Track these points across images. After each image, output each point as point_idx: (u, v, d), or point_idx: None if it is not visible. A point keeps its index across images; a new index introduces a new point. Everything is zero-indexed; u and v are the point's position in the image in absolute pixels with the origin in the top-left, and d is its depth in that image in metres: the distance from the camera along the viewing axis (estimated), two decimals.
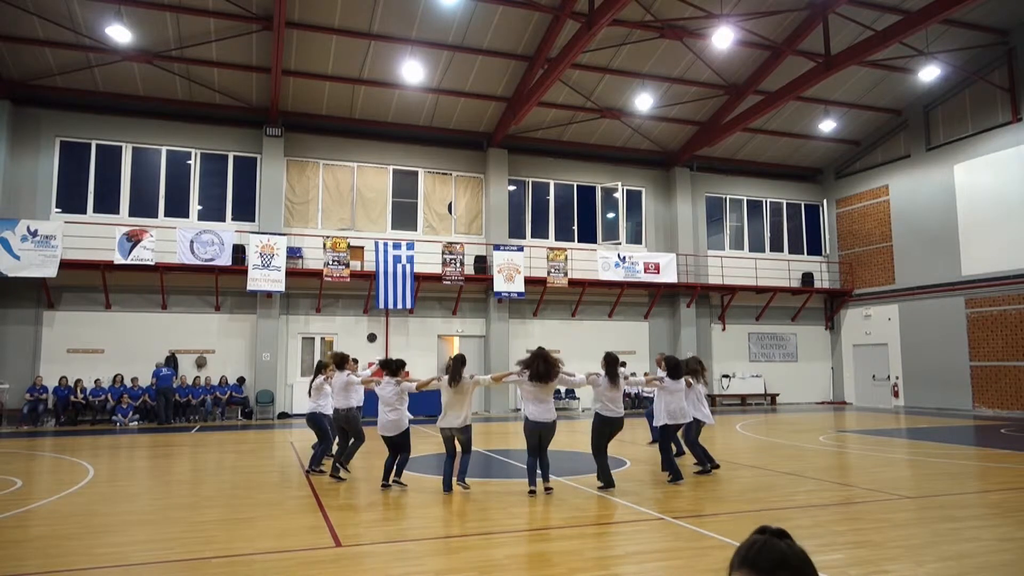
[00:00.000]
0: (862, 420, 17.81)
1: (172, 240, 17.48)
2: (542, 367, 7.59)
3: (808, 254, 25.24)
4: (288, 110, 19.41)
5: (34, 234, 16.35)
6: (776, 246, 24.99)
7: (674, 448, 9.23)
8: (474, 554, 5.40)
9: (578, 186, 22.71)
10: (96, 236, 17.36)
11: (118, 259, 16.95)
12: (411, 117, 20.36)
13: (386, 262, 18.75)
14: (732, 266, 23.51)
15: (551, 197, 22.45)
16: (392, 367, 8.42)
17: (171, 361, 17.83)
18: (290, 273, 18.43)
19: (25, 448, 12.58)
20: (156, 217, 18.64)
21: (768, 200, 24.99)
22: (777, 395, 23.79)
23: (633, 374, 13.27)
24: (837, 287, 24.56)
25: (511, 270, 19.97)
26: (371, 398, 9.68)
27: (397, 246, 19.00)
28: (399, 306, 18.99)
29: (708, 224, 24.05)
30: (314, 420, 9.24)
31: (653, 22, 17.35)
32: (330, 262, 18.44)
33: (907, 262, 22.17)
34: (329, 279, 18.45)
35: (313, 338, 19.67)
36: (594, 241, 22.60)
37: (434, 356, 20.29)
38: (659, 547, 5.61)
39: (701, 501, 7.47)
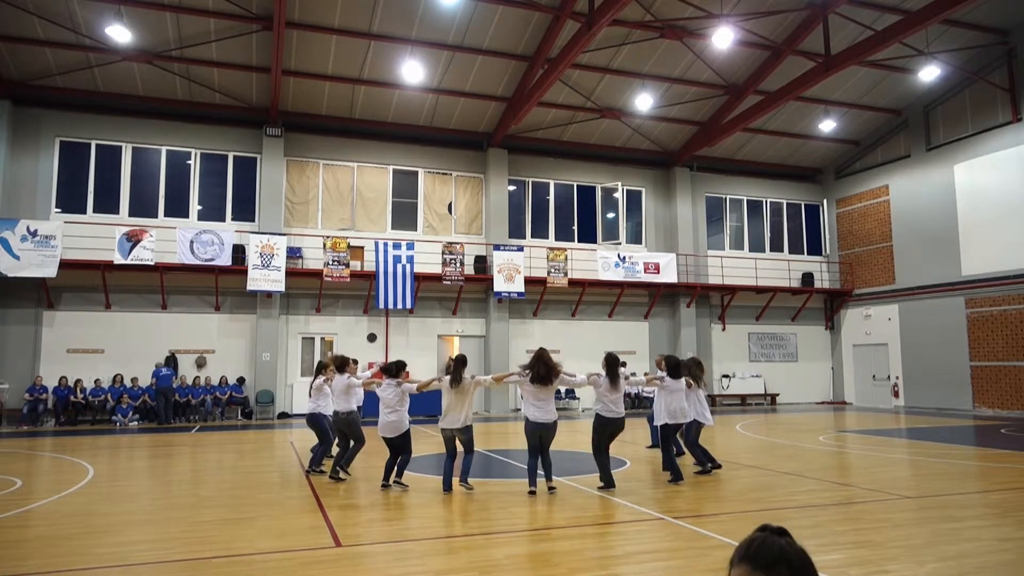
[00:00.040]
0: (862, 420, 17.81)
1: (172, 240, 17.48)
2: (543, 370, 7.64)
3: (808, 254, 25.24)
4: (288, 110, 19.42)
5: (34, 234, 16.35)
6: (776, 246, 24.99)
7: (674, 448, 9.23)
8: (475, 554, 5.40)
9: (578, 186, 22.71)
10: (96, 236, 17.36)
11: (118, 259, 16.96)
12: (411, 117, 20.36)
13: (386, 262, 18.76)
14: (732, 266, 23.51)
15: (551, 197, 22.44)
16: (392, 370, 8.40)
17: (171, 361, 17.83)
18: (290, 273, 18.44)
19: (25, 448, 12.59)
20: (156, 217, 18.65)
21: (768, 200, 24.99)
22: (777, 395, 23.79)
23: (633, 374, 13.26)
24: (837, 287, 24.55)
25: (511, 270, 19.97)
26: (371, 398, 9.69)
27: (397, 246, 19.00)
28: (399, 306, 18.99)
29: (708, 224, 24.05)
30: (314, 421, 9.24)
31: (653, 22, 17.35)
32: (330, 262, 18.44)
33: (907, 262, 22.16)
34: (329, 279, 18.45)
35: (313, 338, 19.68)
36: (594, 241, 22.60)
37: (434, 356, 20.29)
38: (659, 547, 5.62)
39: (701, 501, 7.47)
